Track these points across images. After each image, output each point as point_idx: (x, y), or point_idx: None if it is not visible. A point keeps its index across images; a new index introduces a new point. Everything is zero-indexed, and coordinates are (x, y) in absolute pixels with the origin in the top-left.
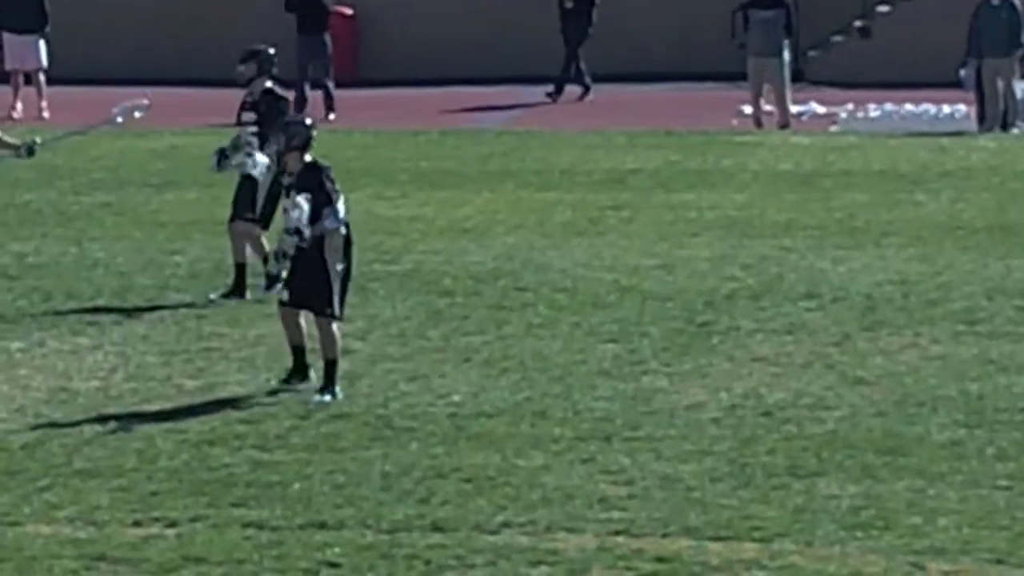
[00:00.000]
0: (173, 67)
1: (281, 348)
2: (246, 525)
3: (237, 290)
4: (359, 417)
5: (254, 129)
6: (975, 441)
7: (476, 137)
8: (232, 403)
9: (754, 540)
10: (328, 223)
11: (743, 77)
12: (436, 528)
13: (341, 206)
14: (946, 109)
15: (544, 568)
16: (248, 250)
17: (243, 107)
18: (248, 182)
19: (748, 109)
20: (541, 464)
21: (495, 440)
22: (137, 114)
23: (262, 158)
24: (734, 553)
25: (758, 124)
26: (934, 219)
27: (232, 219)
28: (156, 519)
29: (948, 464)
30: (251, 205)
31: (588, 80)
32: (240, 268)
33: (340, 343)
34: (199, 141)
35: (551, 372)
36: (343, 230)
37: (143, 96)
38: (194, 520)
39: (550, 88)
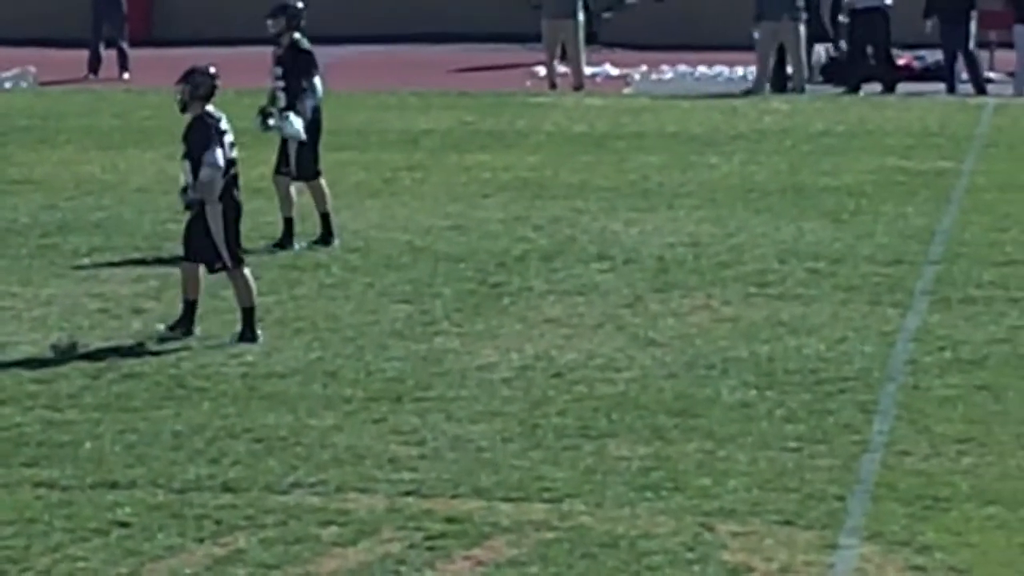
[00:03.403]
0: None
1: (73, 308)
2: (37, 484)
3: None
4: (151, 376)
5: (283, 84)
6: (765, 403)
7: None
8: (23, 362)
9: (544, 501)
10: (204, 174)
11: (537, 39)
12: (227, 488)
13: (219, 153)
14: (739, 71)
15: (334, 528)
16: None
17: (274, 62)
18: (289, 140)
19: (542, 71)
20: (332, 424)
21: (287, 400)
22: None
23: (296, 119)
24: (524, 514)
25: (552, 85)
26: (726, 181)
27: (275, 171)
28: None
29: (738, 426)
30: (287, 161)
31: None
32: (287, 222)
33: (254, 289)
34: None
35: (343, 333)
36: (220, 177)
37: None
38: None
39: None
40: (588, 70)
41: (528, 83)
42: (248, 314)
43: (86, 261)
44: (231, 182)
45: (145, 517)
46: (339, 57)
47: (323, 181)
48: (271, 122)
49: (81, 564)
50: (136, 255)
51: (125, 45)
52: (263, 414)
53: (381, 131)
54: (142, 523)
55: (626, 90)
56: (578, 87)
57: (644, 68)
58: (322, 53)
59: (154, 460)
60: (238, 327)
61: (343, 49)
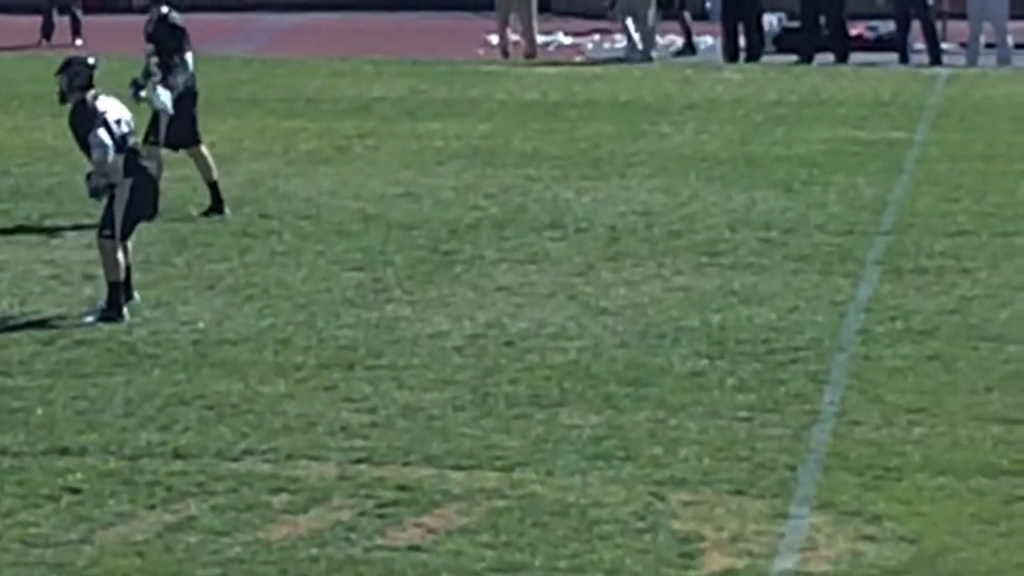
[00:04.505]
0: None
1: (25, 274)
2: None
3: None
4: (102, 343)
5: (156, 59)
6: (716, 372)
7: (223, 64)
8: None
9: (495, 469)
10: (96, 155)
11: (490, 7)
12: (178, 455)
13: (103, 133)
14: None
15: (285, 495)
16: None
17: (145, 38)
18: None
19: (495, 39)
20: (284, 392)
21: (238, 367)
22: None
23: (165, 94)
24: (475, 482)
25: (505, 54)
26: (678, 150)
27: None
28: None
29: (690, 395)
30: (155, 131)
31: None
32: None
33: (122, 265)
34: None
35: (295, 300)
36: (111, 154)
37: None
38: None
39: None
40: (541, 38)
41: (480, 51)
42: (113, 289)
43: (37, 227)
44: (132, 156)
45: (96, 483)
46: (293, 24)
47: (204, 149)
48: (142, 94)
49: (32, 530)
50: (88, 221)
51: (78, 11)
52: (214, 381)
53: (334, 99)
54: (93, 489)
55: (579, 59)
56: (530, 55)
57: (597, 37)
58: (277, 20)
59: (105, 426)
60: (100, 303)
61: (297, 16)
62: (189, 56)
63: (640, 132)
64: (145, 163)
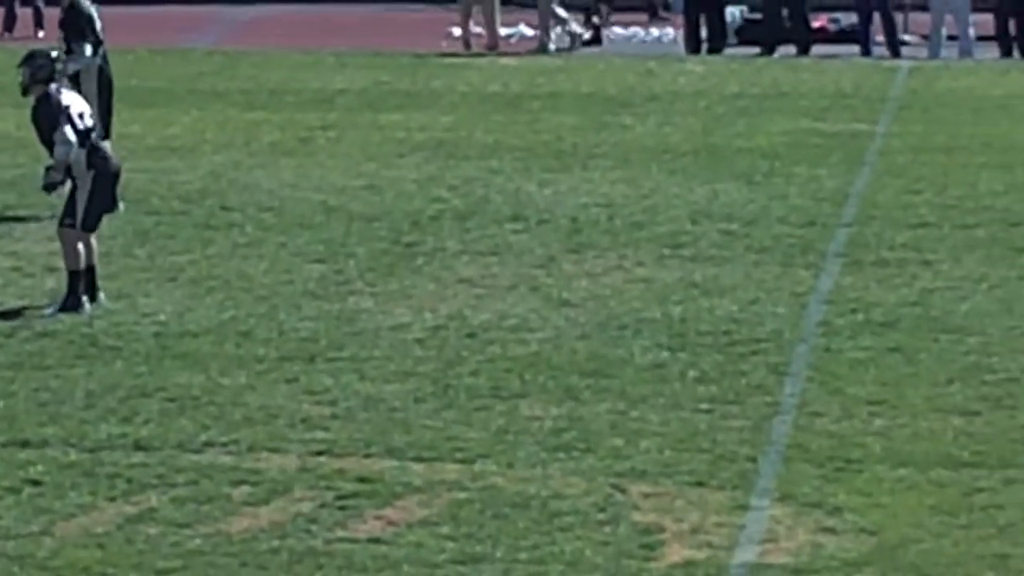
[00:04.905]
0: None
1: None
2: None
3: None
4: (64, 335)
5: (66, 47)
6: (677, 364)
7: (185, 56)
8: None
9: (456, 461)
10: (58, 152)
11: None
12: (139, 447)
13: (68, 129)
14: (654, 32)
15: (246, 488)
16: None
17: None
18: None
19: (457, 31)
20: (245, 384)
21: (199, 359)
22: None
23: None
24: (436, 474)
25: (467, 45)
26: (641, 142)
27: None
28: None
29: (650, 386)
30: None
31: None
32: None
33: (83, 256)
34: None
35: (256, 292)
36: (76, 150)
37: None
38: None
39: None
40: (503, 31)
41: (444, 43)
42: (72, 279)
43: None
44: (94, 150)
45: (57, 475)
46: (255, 16)
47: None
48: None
49: None
50: (50, 213)
51: (41, 3)
52: (176, 373)
53: (296, 91)
54: (54, 481)
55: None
56: (492, 47)
57: (559, 29)
58: (239, 12)
59: (66, 418)
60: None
61: (259, 8)
62: (88, 47)
63: (602, 124)
64: (107, 155)
